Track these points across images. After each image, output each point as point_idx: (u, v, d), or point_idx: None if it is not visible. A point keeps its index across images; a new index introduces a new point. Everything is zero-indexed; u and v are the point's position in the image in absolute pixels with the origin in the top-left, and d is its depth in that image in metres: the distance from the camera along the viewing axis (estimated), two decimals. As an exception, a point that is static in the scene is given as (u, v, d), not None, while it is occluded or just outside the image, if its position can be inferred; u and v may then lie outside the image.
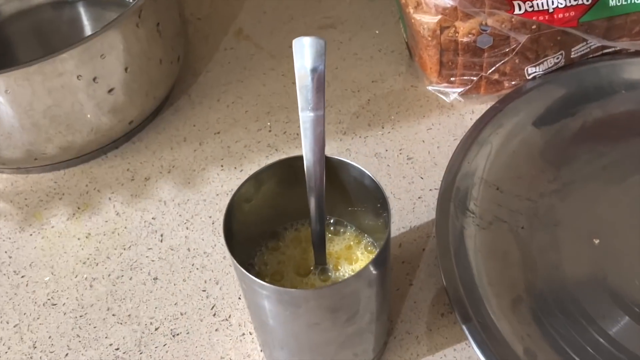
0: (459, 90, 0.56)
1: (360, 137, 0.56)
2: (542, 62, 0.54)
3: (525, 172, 0.51)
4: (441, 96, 0.57)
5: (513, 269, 0.46)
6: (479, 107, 0.56)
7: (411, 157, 0.54)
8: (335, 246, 0.42)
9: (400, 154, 0.54)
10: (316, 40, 0.36)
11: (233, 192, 0.38)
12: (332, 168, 0.39)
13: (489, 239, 0.48)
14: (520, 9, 0.49)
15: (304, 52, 0.37)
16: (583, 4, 0.50)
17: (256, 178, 0.39)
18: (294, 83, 0.59)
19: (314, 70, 0.37)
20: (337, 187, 0.40)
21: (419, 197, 0.51)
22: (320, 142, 0.38)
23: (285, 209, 0.42)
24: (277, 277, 0.41)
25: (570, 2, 0.49)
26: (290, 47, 0.63)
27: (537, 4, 0.49)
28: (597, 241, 0.47)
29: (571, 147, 0.52)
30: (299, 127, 0.56)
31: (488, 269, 0.46)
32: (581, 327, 0.43)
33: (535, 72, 0.54)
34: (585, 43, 0.53)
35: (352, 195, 0.41)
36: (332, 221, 0.43)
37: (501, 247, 0.47)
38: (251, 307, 0.39)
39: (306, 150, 0.38)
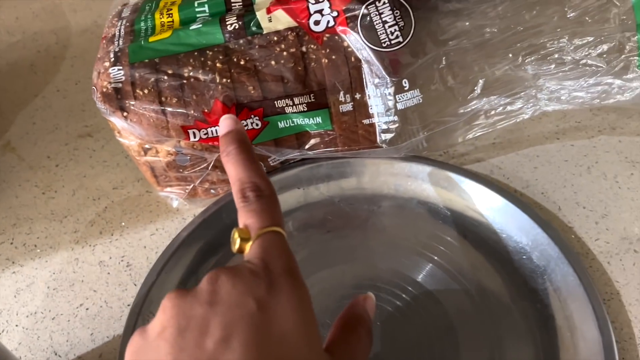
0: (181, 197, 0.54)
1: (90, 245, 0.53)
2: (243, 172, 0.52)
3: (221, 276, 0.49)
4: (169, 201, 0.55)
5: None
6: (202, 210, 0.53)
7: (130, 264, 0.51)
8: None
9: (122, 261, 0.52)
10: None
11: None
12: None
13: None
14: (195, 137, 0.47)
15: None
16: (254, 129, 0.48)
17: None
18: (44, 193, 0.57)
19: None
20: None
21: (128, 305, 0.49)
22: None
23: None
24: None
25: (240, 127, 0.47)
26: (49, 156, 0.60)
27: (210, 131, 0.47)
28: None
29: (269, 248, 0.50)
30: (38, 238, 0.54)
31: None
32: None
33: (239, 180, 0.52)
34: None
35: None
36: None
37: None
38: None
39: None
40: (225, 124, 0.40)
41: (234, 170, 0.37)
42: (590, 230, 0.50)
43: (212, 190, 0.53)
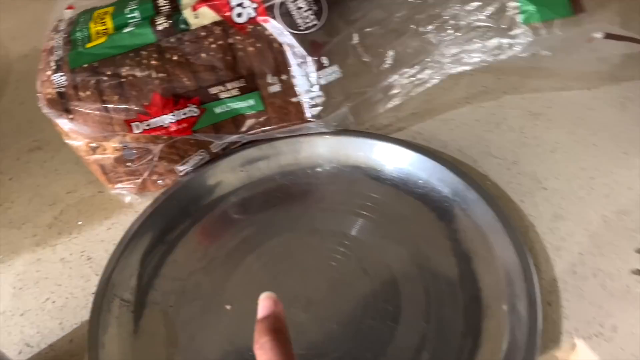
0: (132, 191, 0.56)
1: (50, 245, 0.55)
2: (188, 161, 0.55)
3: (177, 255, 0.52)
4: (121, 197, 0.57)
5: (157, 347, 0.46)
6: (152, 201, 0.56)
7: (91, 257, 0.53)
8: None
9: (82, 255, 0.54)
10: None
11: None
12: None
13: (141, 323, 0.48)
14: (138, 129, 0.50)
15: None
16: (192, 116, 0.51)
17: None
18: (0, 205, 0.59)
19: None
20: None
21: (92, 293, 0.51)
22: None
23: None
24: None
25: (180, 116, 0.50)
26: (2, 172, 0.62)
27: (152, 122, 0.50)
28: (229, 307, 0.48)
29: (219, 226, 0.54)
30: (-2, 247, 0.55)
31: (135, 351, 0.46)
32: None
33: (185, 169, 0.55)
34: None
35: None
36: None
37: (150, 328, 0.47)
38: None
39: None
40: (263, 305, 0.35)
41: None
42: (504, 176, 0.55)
43: (159, 182, 0.55)
